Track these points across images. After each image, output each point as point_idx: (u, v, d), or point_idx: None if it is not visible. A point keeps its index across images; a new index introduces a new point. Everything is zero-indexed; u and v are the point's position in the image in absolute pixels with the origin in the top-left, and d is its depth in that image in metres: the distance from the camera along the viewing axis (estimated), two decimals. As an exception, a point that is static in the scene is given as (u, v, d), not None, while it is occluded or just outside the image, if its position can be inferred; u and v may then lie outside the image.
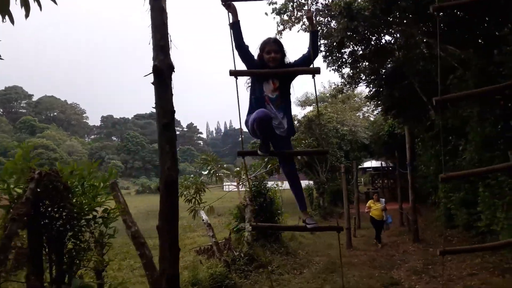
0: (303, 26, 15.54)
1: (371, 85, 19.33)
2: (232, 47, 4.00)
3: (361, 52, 15.85)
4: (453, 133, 13.86)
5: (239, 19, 3.90)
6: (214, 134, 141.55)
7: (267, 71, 3.89)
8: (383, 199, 12.86)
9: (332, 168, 24.50)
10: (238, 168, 13.36)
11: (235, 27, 3.89)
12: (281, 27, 15.17)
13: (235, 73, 3.91)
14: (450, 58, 10.67)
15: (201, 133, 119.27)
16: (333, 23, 15.66)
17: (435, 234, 14.65)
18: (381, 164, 39.72)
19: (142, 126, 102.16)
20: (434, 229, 15.69)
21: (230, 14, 3.90)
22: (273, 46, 3.91)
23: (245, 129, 4.16)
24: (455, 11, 10.55)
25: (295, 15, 14.93)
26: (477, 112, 9.51)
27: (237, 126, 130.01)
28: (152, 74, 4.03)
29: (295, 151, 3.98)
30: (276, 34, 15.51)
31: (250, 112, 3.96)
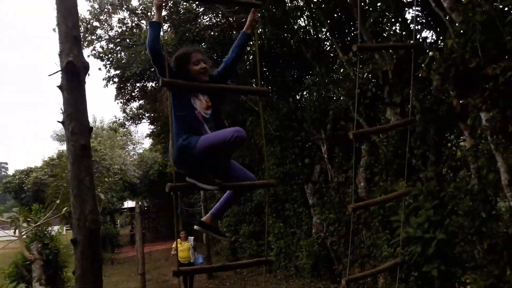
0: (94, 52, 14.22)
1: (154, 123, 19.20)
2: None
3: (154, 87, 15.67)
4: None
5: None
6: None
7: (211, 85, 3.15)
8: (192, 237, 12.02)
9: (103, 211, 22.52)
10: (15, 214, 10.54)
11: (159, 27, 3.03)
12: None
13: (170, 85, 3.01)
14: (251, 102, 11.77)
15: None
16: (123, 54, 15.00)
17: (224, 268, 15.24)
18: (140, 203, 39.16)
19: None
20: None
21: (157, 12, 3.04)
22: (203, 56, 3.15)
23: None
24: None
25: (86, 37, 13.51)
26: (279, 150, 10.71)
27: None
28: (60, 73, 2.84)
29: (244, 184, 3.25)
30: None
31: (181, 133, 3.02)
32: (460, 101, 6.21)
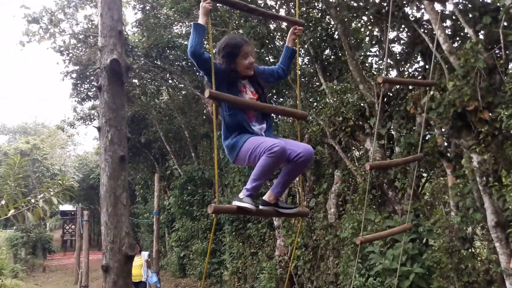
0: (54, 45, 13.30)
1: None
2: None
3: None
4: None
5: None
6: None
7: (255, 103, 2.94)
8: (147, 252, 10.75)
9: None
10: None
11: (204, 31, 2.81)
12: (27, 38, 12.44)
13: (216, 98, 2.77)
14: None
15: None
16: (85, 51, 14.23)
17: (171, 285, 14.64)
18: (76, 208, 37.22)
19: None
20: (164, 280, 15.63)
21: (204, 16, 2.80)
22: (252, 47, 2.97)
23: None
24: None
25: (49, 30, 12.61)
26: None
27: None
28: (100, 72, 2.50)
29: (272, 212, 3.02)
30: (17, 43, 12.63)
31: (230, 132, 2.85)
32: (445, 140, 6.46)
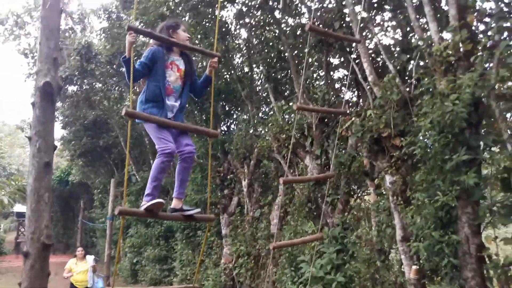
0: (18, 47, 13.41)
1: (68, 128, 18.32)
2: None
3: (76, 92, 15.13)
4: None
5: None
6: None
7: (170, 122, 3.41)
8: (92, 256, 9.76)
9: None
10: None
11: (131, 62, 3.34)
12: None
13: (132, 115, 3.26)
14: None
15: None
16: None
17: (123, 291, 14.76)
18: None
19: None
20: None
21: (129, 48, 3.32)
22: (187, 27, 3.67)
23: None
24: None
25: (13, 31, 12.74)
26: (200, 177, 11.01)
27: None
28: (34, 91, 2.96)
29: (177, 216, 3.46)
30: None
31: (147, 100, 3.30)
32: (370, 161, 7.15)
